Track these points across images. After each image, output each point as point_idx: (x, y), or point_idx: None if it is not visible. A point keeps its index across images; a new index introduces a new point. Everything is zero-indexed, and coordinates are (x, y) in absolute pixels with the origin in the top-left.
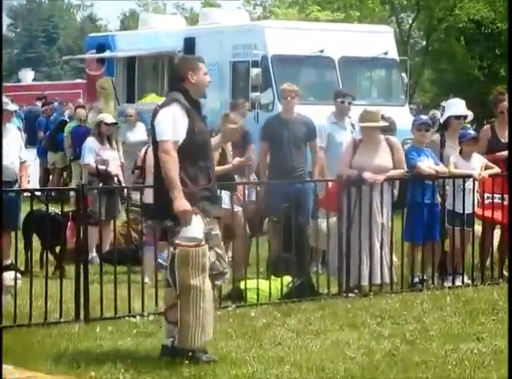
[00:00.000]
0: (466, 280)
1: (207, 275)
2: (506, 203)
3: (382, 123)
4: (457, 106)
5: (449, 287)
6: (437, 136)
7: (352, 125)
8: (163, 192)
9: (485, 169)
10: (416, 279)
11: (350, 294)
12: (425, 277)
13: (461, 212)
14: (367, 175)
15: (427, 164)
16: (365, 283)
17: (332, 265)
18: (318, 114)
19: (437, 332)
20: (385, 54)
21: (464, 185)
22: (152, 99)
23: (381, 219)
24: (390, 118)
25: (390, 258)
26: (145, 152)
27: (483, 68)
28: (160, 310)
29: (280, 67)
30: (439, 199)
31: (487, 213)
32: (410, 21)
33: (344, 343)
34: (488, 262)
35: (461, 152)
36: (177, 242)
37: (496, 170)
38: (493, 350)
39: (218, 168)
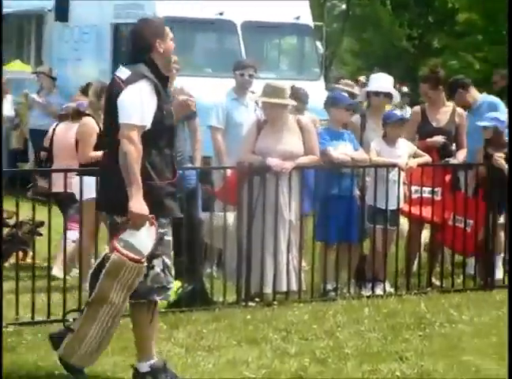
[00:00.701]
0: (388, 289)
1: (129, 294)
2: (437, 198)
3: (289, 100)
4: (378, 80)
5: (368, 297)
6: (356, 118)
7: (256, 103)
8: (114, 182)
9: (414, 157)
10: (329, 287)
11: (250, 303)
12: (339, 284)
13: (384, 207)
14: (273, 162)
15: (343, 150)
16: (268, 290)
17: (229, 268)
18: (217, 88)
19: (353, 350)
20: (297, 19)
21: (387, 177)
22: (19, 67)
23: (288, 215)
24: (301, 90)
25: (299, 261)
26: (53, 132)
27: (413, 38)
28: (22, 320)
29: (172, 32)
30: (358, 192)
31: (415, 210)
32: None
33: (242, 362)
34: (415, 268)
35: (384, 136)
36: (116, 246)
37: (427, 158)
38: (418, 372)
39: None
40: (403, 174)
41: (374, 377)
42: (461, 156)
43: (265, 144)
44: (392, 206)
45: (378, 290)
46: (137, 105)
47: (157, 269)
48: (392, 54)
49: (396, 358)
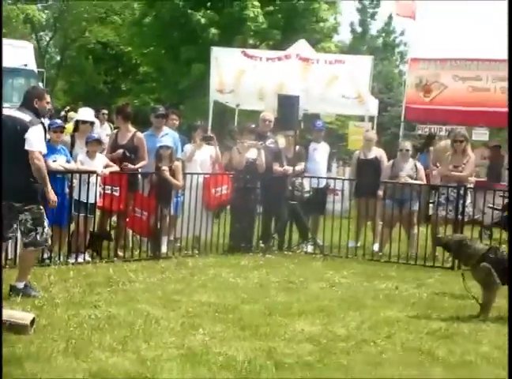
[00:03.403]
0: (87, 258)
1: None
2: (116, 194)
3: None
4: (84, 113)
5: (73, 263)
6: (68, 138)
7: None
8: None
9: (106, 167)
10: (45, 256)
11: None
12: (53, 254)
13: (86, 201)
14: None
15: (60, 162)
16: None
17: None
18: None
19: (61, 300)
20: (25, 65)
21: (89, 180)
22: None
23: None
24: None
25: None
26: None
27: (108, 82)
28: None
29: None
30: (68, 190)
31: (106, 203)
32: (48, 39)
33: None
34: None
35: (87, 152)
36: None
37: (115, 168)
38: (107, 315)
39: None
40: (99, 178)
41: (76, 319)
42: (139, 165)
43: None
44: (91, 200)
45: (80, 259)
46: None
47: (39, 230)
48: (92, 93)
49: (91, 306)
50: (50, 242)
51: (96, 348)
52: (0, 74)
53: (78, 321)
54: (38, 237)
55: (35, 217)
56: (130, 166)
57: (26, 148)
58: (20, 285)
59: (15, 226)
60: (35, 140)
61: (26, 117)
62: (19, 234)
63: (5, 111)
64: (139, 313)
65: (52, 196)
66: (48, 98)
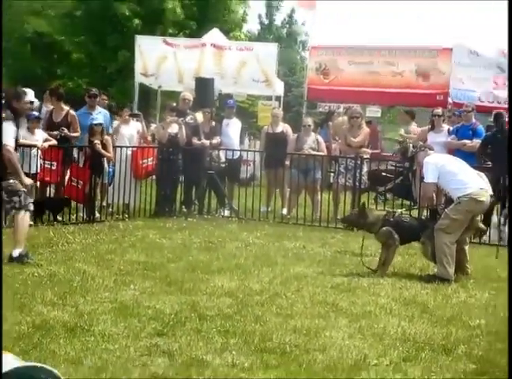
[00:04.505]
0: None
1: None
2: (54, 168)
3: None
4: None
5: None
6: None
7: None
8: None
9: (45, 141)
10: None
11: None
12: None
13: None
14: None
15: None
16: None
17: None
18: None
19: (7, 260)
20: None
21: (31, 153)
22: None
23: None
24: None
25: None
26: None
27: (44, 67)
28: None
29: None
30: None
31: (46, 174)
32: None
33: None
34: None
35: (28, 128)
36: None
37: (54, 142)
38: (48, 273)
39: None
40: (40, 151)
41: (20, 277)
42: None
43: None
44: (33, 171)
45: None
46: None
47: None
48: (31, 77)
49: (35, 265)
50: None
51: (39, 303)
52: (0, 74)
53: (22, 279)
54: (16, 205)
55: (8, 191)
56: (67, 132)
57: None
58: (16, 253)
59: None
60: (6, 134)
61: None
62: None
63: None
64: (77, 270)
65: (27, 180)
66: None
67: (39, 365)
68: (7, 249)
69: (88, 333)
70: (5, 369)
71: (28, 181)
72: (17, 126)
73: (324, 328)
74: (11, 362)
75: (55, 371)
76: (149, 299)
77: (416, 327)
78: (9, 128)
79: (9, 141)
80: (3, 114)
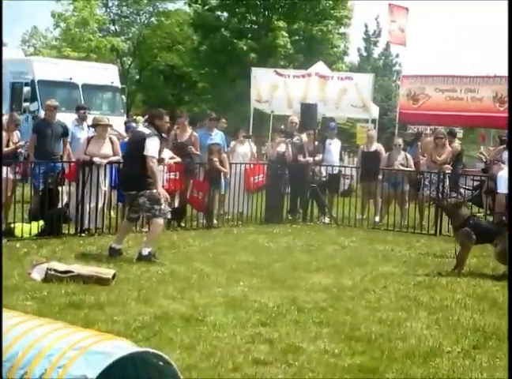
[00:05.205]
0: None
1: None
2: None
3: (107, 122)
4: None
5: (146, 231)
6: None
7: (89, 127)
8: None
9: (171, 159)
10: None
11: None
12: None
13: None
14: (96, 159)
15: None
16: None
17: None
18: (68, 118)
19: (136, 260)
20: (112, 83)
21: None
22: None
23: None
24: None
25: None
26: None
27: (174, 95)
28: None
29: (43, 87)
30: None
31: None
32: (129, 63)
33: None
34: None
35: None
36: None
37: (178, 159)
38: (170, 271)
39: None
40: (165, 167)
41: (146, 274)
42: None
43: (92, 149)
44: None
45: None
46: None
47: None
48: (163, 103)
49: (160, 264)
50: (169, 215)
51: (161, 297)
52: (0, 80)
53: (148, 276)
54: (156, 213)
55: (151, 199)
56: (193, 151)
57: (144, 153)
58: (146, 251)
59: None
60: (152, 148)
61: (147, 131)
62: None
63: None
64: (194, 269)
65: (162, 192)
66: (167, 118)
67: (151, 350)
68: (135, 248)
69: (202, 323)
70: (121, 354)
71: (164, 193)
72: (160, 142)
73: (405, 319)
74: (127, 347)
75: (166, 356)
76: (255, 294)
77: (485, 319)
78: (154, 142)
79: (154, 154)
80: (149, 131)
